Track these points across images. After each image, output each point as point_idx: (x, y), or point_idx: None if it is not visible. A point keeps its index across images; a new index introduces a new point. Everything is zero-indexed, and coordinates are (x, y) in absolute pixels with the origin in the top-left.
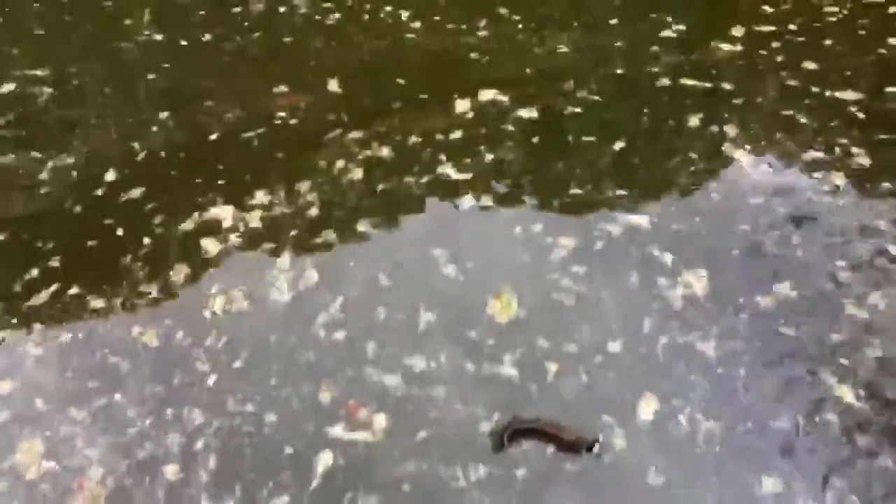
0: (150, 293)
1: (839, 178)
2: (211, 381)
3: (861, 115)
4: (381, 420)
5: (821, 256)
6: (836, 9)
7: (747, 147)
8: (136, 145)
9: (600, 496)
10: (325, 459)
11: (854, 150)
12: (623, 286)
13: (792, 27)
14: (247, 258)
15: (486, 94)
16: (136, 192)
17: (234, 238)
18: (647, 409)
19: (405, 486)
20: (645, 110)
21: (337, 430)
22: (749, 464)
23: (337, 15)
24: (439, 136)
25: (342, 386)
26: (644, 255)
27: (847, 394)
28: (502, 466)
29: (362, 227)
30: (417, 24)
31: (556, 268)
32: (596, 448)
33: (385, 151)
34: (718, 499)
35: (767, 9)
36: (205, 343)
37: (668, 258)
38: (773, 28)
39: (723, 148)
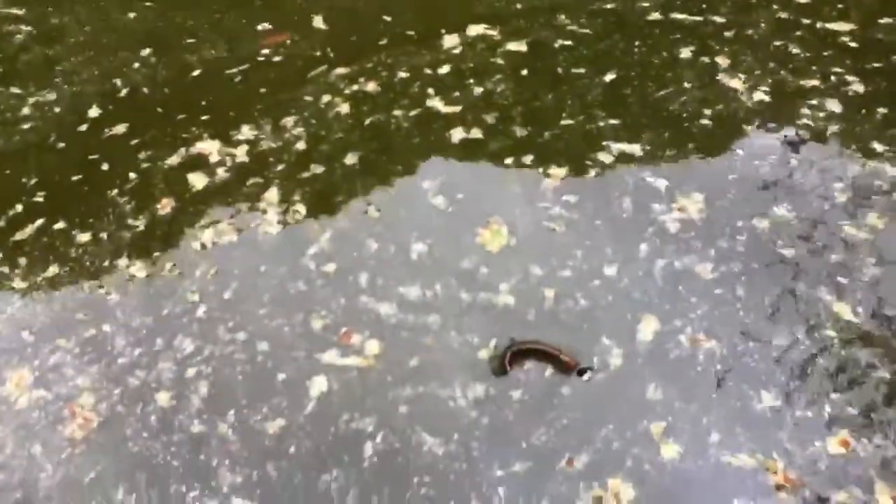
0: (137, 227)
1: (834, 105)
2: (201, 311)
3: (854, 45)
4: (373, 346)
5: (818, 179)
6: None
7: (741, 76)
8: (119, 82)
9: (600, 411)
10: (318, 384)
11: (848, 77)
12: (616, 213)
13: None
14: (235, 192)
15: (475, 30)
16: (120, 128)
17: (221, 172)
18: (647, 330)
19: (402, 408)
20: (636, 43)
21: (330, 356)
22: (749, 380)
23: None
24: (427, 71)
25: (334, 314)
26: (637, 181)
27: (846, 311)
28: (500, 386)
29: (350, 160)
30: None
31: (547, 197)
32: (587, 375)
33: (372, 86)
34: (718, 412)
35: None
36: (194, 275)
37: (661, 184)
38: None
39: (717, 77)
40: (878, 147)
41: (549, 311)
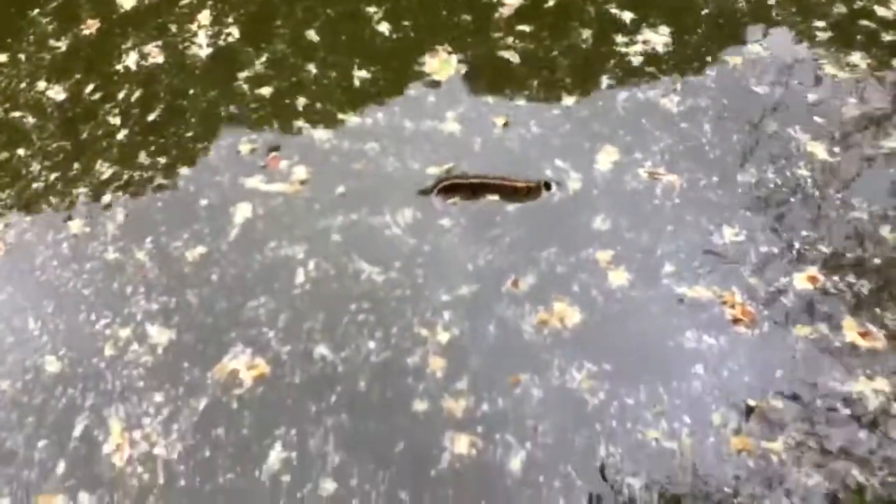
0: (59, 48)
1: None
2: (122, 134)
3: None
4: (301, 172)
5: (798, 17)
6: None
7: None
8: None
9: (544, 233)
10: (242, 210)
11: None
12: (575, 44)
13: None
14: (164, 13)
15: None
16: None
17: None
18: (606, 160)
19: (335, 235)
20: None
21: (254, 182)
22: (709, 214)
23: None
24: None
25: (264, 139)
26: (600, 12)
27: (820, 150)
28: (436, 212)
29: None
30: None
31: (499, 26)
32: (553, 187)
33: None
34: (674, 244)
35: None
36: (117, 97)
37: (627, 16)
38: None
39: None
40: None
41: (497, 138)
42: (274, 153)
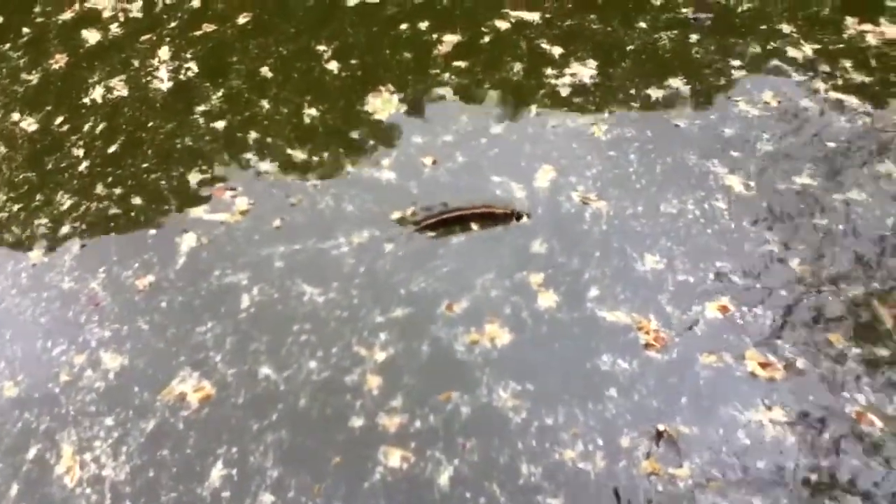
0: (30, 81)
1: None
2: (83, 165)
3: None
4: (243, 202)
5: (716, 55)
6: None
7: None
8: None
9: (482, 260)
10: (188, 240)
11: None
12: (507, 76)
13: None
14: (127, 48)
15: None
16: None
17: (114, 28)
18: (544, 178)
19: (278, 263)
20: None
21: (198, 211)
22: (634, 242)
23: None
24: None
25: (214, 171)
26: (532, 47)
27: (736, 183)
28: (375, 240)
29: (243, 20)
30: None
31: (437, 63)
32: (525, 218)
33: None
34: (600, 270)
35: None
36: (83, 129)
37: (556, 51)
38: None
39: None
40: (783, 27)
41: (429, 177)
42: (220, 185)
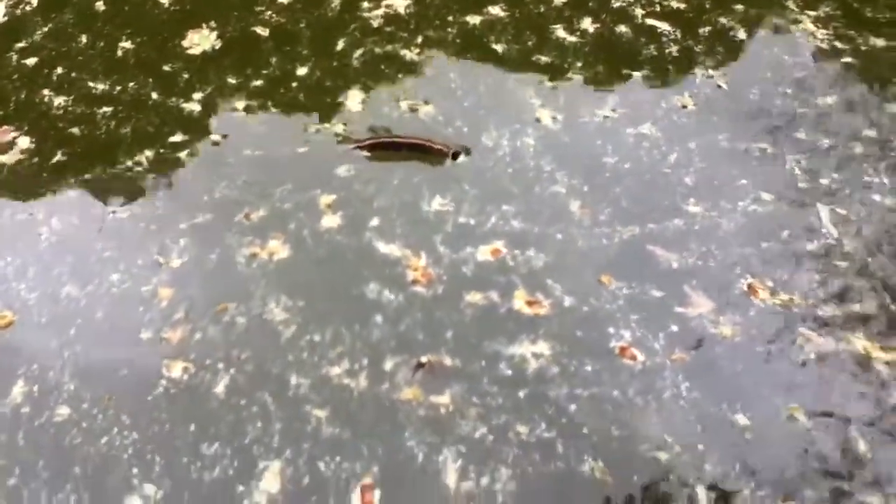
0: None
1: None
2: None
3: None
4: (24, 142)
5: None
6: None
7: None
8: None
9: (283, 172)
10: None
11: None
12: (323, 12)
13: None
14: None
15: None
16: None
17: None
18: (354, 100)
19: (70, 192)
20: None
21: None
22: (430, 182)
23: None
24: None
25: (3, 110)
26: None
27: (545, 115)
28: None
29: None
30: None
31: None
32: (461, 158)
33: None
34: (387, 202)
35: None
36: None
37: None
38: None
39: None
40: None
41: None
42: (4, 126)
